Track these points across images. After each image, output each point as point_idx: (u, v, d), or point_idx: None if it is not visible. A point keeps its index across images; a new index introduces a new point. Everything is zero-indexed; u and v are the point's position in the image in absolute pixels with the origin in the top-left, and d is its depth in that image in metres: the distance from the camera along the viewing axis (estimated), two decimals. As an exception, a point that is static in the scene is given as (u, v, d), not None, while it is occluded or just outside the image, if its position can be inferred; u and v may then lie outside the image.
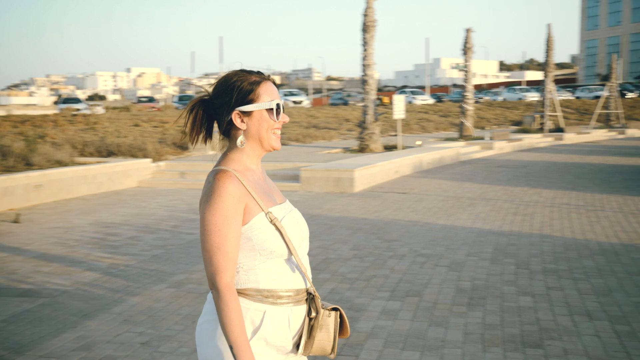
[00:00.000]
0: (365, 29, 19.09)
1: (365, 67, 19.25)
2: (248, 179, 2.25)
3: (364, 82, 19.33)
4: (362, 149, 18.98)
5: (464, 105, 25.69)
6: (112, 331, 5.36)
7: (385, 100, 49.13)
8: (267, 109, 2.28)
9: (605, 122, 35.64)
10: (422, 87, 77.15)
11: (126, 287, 6.70)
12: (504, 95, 57.68)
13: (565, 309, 5.90)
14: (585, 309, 5.88)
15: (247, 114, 2.27)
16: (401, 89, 69.04)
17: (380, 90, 72.01)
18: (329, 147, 21.28)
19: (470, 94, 25.79)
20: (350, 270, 7.26)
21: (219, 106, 2.28)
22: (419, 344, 5.04)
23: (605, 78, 55.98)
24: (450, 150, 20.08)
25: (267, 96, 2.28)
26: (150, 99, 56.72)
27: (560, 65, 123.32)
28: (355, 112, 36.18)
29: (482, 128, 32.77)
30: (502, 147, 23.77)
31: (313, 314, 2.31)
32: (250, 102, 2.26)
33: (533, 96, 49.97)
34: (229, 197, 2.16)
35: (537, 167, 18.52)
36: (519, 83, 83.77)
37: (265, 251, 2.22)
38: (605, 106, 35.91)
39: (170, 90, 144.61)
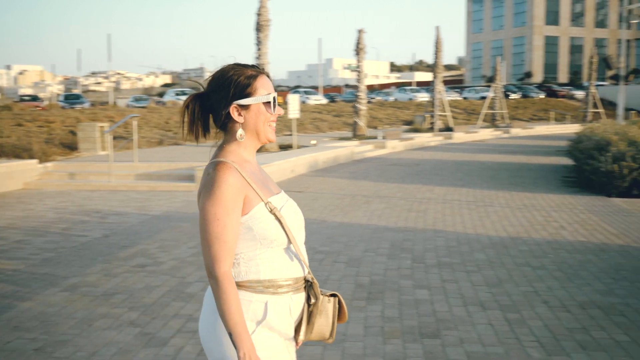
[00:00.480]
0: (259, 28, 19.05)
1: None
2: (246, 170, 2.30)
3: (258, 81, 19.22)
4: (258, 149, 18.89)
5: (357, 105, 26.05)
6: (1, 338, 5.10)
7: (279, 100, 49.23)
8: (264, 102, 2.33)
9: (491, 121, 37.14)
10: (315, 87, 77.70)
11: (15, 292, 6.40)
12: (395, 95, 58.94)
13: (460, 300, 6.11)
14: (478, 300, 6.10)
15: (245, 107, 2.32)
16: (294, 89, 69.25)
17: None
18: (224, 147, 21.04)
19: (362, 94, 26.16)
20: (249, 268, 7.21)
21: (216, 100, 2.31)
22: (321, 339, 5.07)
23: (491, 80, 58.38)
24: (344, 150, 20.35)
25: (264, 89, 2.33)
26: (34, 98, 54.16)
27: (449, 67, 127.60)
28: (250, 112, 35.97)
29: (375, 127, 33.41)
30: (394, 146, 24.31)
31: (312, 301, 2.37)
32: (248, 95, 2.30)
33: (423, 96, 51.33)
34: (229, 188, 2.19)
35: (429, 165, 19.07)
36: (409, 84, 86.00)
37: (266, 240, 2.25)
38: (491, 107, 37.42)
39: (55, 88, 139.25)
